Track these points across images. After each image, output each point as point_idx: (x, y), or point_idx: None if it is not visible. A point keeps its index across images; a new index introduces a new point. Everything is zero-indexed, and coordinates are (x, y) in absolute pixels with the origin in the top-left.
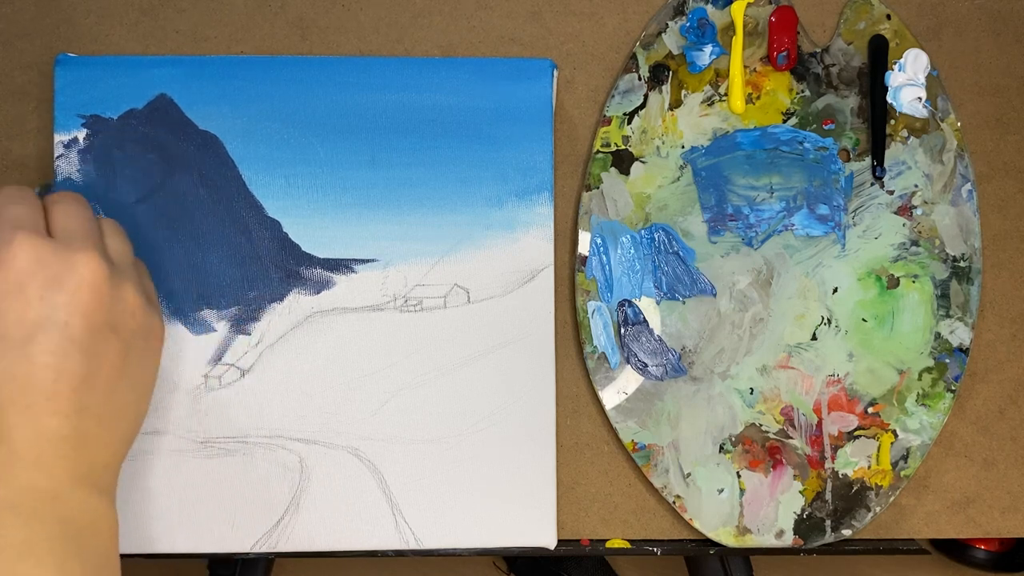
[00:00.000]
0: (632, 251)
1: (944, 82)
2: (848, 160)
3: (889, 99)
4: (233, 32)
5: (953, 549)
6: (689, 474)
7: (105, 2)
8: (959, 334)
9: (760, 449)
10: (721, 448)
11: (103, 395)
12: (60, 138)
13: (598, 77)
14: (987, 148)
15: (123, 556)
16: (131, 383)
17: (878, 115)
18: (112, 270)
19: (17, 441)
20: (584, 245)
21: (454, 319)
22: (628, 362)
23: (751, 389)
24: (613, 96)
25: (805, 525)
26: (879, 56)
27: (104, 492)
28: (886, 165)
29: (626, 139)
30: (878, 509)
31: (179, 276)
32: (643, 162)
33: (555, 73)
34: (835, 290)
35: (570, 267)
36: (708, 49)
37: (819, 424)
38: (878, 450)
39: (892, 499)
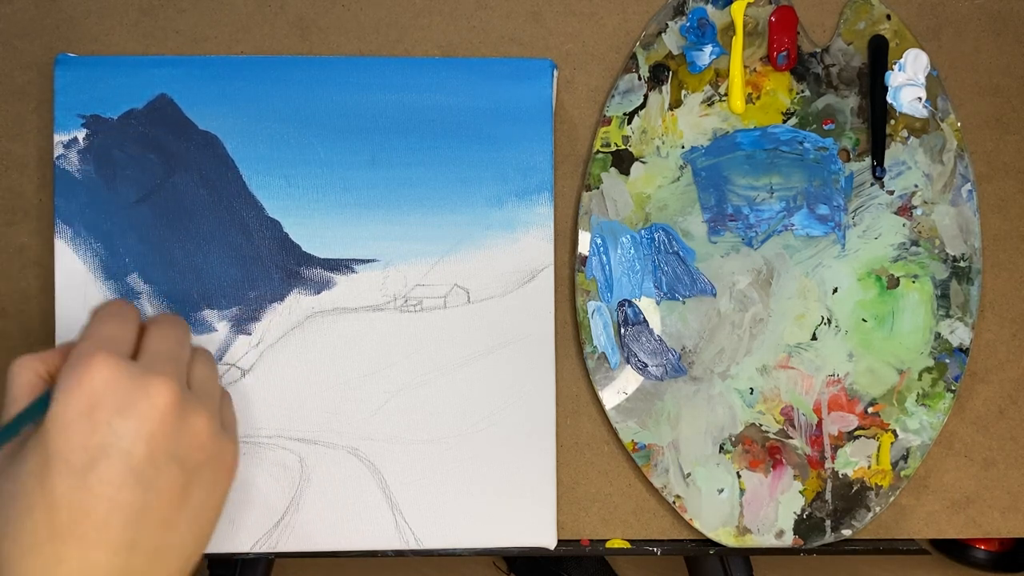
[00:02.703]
0: (632, 251)
1: (944, 82)
2: (848, 160)
3: (889, 99)
4: (233, 32)
5: (953, 549)
6: (689, 474)
7: (105, 2)
8: (959, 334)
9: (760, 449)
10: (721, 448)
11: (158, 530)
12: (60, 138)
13: (598, 77)
14: (987, 148)
15: None
16: (191, 518)
17: (878, 115)
18: (186, 398)
19: (65, 572)
20: (584, 245)
21: (454, 319)
22: (628, 362)
23: (751, 389)
24: (613, 96)
25: (805, 525)
26: (879, 56)
27: None
28: (886, 165)
29: (626, 139)
30: (878, 509)
31: (179, 276)
32: (643, 162)
33: (555, 73)
34: (835, 290)
35: (570, 267)
36: (708, 49)
37: (819, 424)
38: (878, 450)
39: (892, 499)
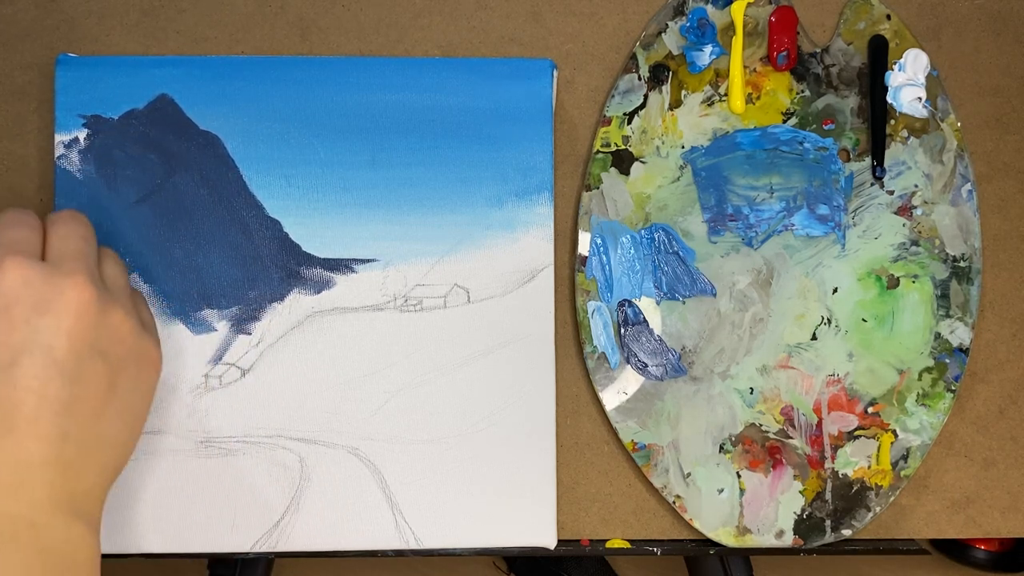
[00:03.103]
0: (632, 251)
1: (944, 82)
2: (848, 160)
3: (889, 99)
4: (233, 32)
5: (953, 549)
6: (689, 474)
7: (105, 2)
8: (959, 334)
9: (760, 449)
10: (721, 448)
11: (88, 421)
12: (61, 138)
13: (598, 77)
14: (987, 148)
15: (123, 556)
16: (119, 410)
17: (878, 115)
18: (101, 294)
19: None
20: (584, 245)
21: (454, 319)
22: (628, 362)
23: (751, 389)
24: (613, 96)
25: (805, 525)
26: (879, 56)
27: (86, 520)
28: (886, 165)
29: (626, 139)
30: (878, 509)
31: (179, 276)
32: (643, 162)
33: (555, 73)
34: (835, 290)
35: (570, 267)
36: (708, 49)
37: (819, 424)
38: (878, 450)
39: (892, 499)
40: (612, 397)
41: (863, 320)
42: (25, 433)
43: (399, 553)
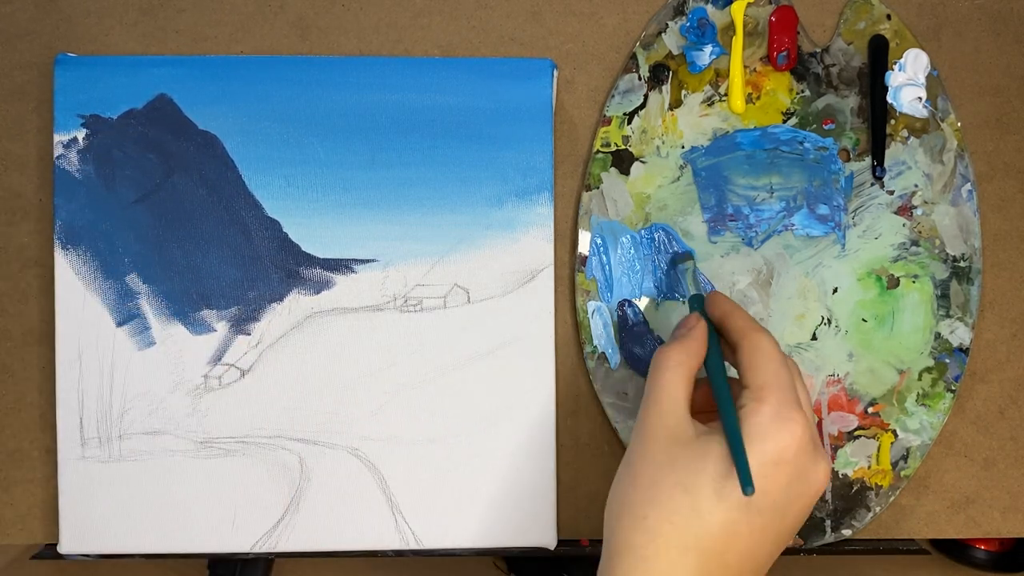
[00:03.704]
0: (632, 251)
1: (944, 82)
2: (848, 160)
3: (889, 99)
4: (233, 32)
5: (953, 549)
6: None
7: (105, 2)
8: (959, 334)
9: None
10: None
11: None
12: (60, 138)
13: (598, 77)
14: (987, 148)
15: (123, 556)
16: (764, 571)
17: (878, 115)
18: (825, 482)
19: None
20: (584, 245)
21: (454, 319)
22: (628, 362)
23: None
24: (613, 96)
25: (805, 525)
26: (879, 56)
27: None
28: (886, 165)
29: (626, 139)
30: (878, 509)
31: (179, 276)
32: (643, 162)
33: (555, 73)
34: (835, 290)
35: (570, 267)
36: (708, 49)
37: (819, 424)
38: (878, 450)
39: (892, 499)
40: (612, 397)
41: (863, 320)
42: (714, 568)
43: (399, 553)
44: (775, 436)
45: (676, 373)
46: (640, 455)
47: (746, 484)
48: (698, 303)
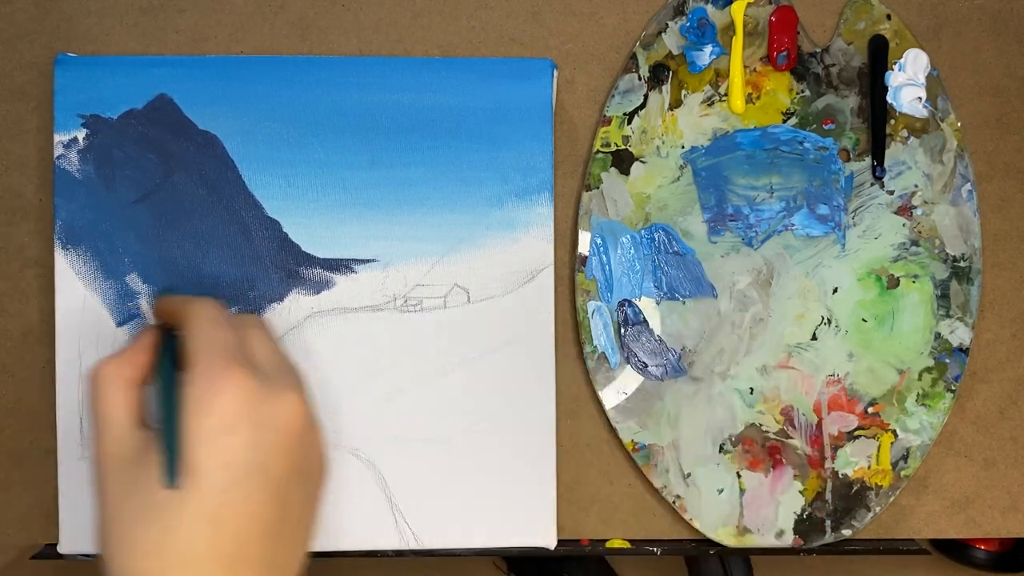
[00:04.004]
0: (632, 251)
1: (944, 82)
2: (848, 160)
3: (889, 99)
4: (233, 32)
5: (953, 549)
6: (689, 474)
7: (105, 2)
8: (959, 334)
9: (760, 449)
10: (721, 448)
11: (289, 546)
12: (60, 138)
13: (598, 77)
14: (987, 148)
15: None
16: (307, 532)
17: (878, 115)
18: (308, 411)
19: None
20: (584, 245)
21: (454, 319)
22: (628, 362)
23: (751, 389)
24: (613, 96)
25: (805, 525)
26: (879, 56)
27: None
28: (886, 165)
29: (626, 139)
30: (878, 509)
31: (178, 276)
32: (643, 162)
33: (555, 73)
34: (835, 290)
35: (570, 267)
36: (708, 49)
37: (819, 424)
38: (878, 450)
39: (892, 499)
40: (612, 397)
41: (863, 320)
42: (236, 559)
43: (399, 553)
44: (213, 404)
45: (111, 387)
46: (100, 497)
47: (169, 476)
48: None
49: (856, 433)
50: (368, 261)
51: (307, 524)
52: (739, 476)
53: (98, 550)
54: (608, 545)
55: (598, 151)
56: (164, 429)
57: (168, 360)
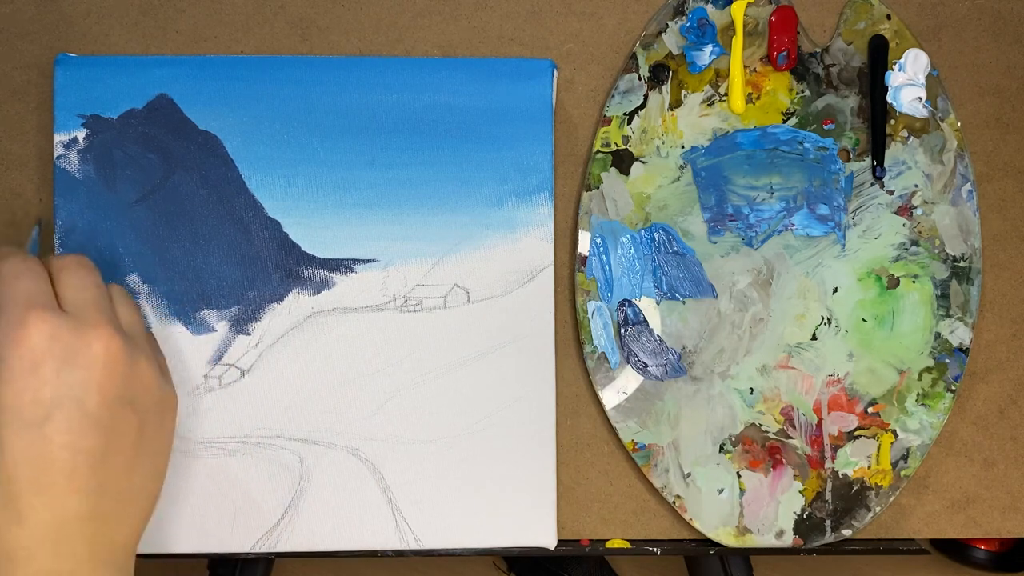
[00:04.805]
0: (632, 251)
1: (944, 82)
2: (848, 160)
3: (889, 99)
4: (233, 32)
5: (953, 549)
6: (689, 474)
7: (105, 2)
8: (959, 334)
9: (760, 449)
10: (721, 448)
11: (121, 472)
12: (60, 138)
13: (598, 77)
14: (987, 148)
15: None
16: (148, 458)
17: (878, 115)
18: (126, 344)
19: (36, 523)
20: (584, 245)
21: (454, 319)
22: (628, 362)
23: (751, 389)
24: (613, 96)
25: (805, 525)
26: (879, 56)
27: (124, 572)
28: (886, 165)
29: (626, 139)
30: (878, 509)
31: (178, 276)
32: (643, 162)
33: (555, 73)
34: (835, 290)
35: (570, 267)
36: (708, 49)
37: (819, 424)
38: (878, 450)
39: (892, 499)
40: (612, 397)
41: (863, 320)
42: (63, 488)
43: (399, 553)
44: (14, 345)
45: None
46: None
47: None
48: None
49: (856, 433)
50: (368, 261)
51: (150, 451)
52: (739, 476)
53: None
54: (608, 545)
55: (598, 151)
56: None
57: None
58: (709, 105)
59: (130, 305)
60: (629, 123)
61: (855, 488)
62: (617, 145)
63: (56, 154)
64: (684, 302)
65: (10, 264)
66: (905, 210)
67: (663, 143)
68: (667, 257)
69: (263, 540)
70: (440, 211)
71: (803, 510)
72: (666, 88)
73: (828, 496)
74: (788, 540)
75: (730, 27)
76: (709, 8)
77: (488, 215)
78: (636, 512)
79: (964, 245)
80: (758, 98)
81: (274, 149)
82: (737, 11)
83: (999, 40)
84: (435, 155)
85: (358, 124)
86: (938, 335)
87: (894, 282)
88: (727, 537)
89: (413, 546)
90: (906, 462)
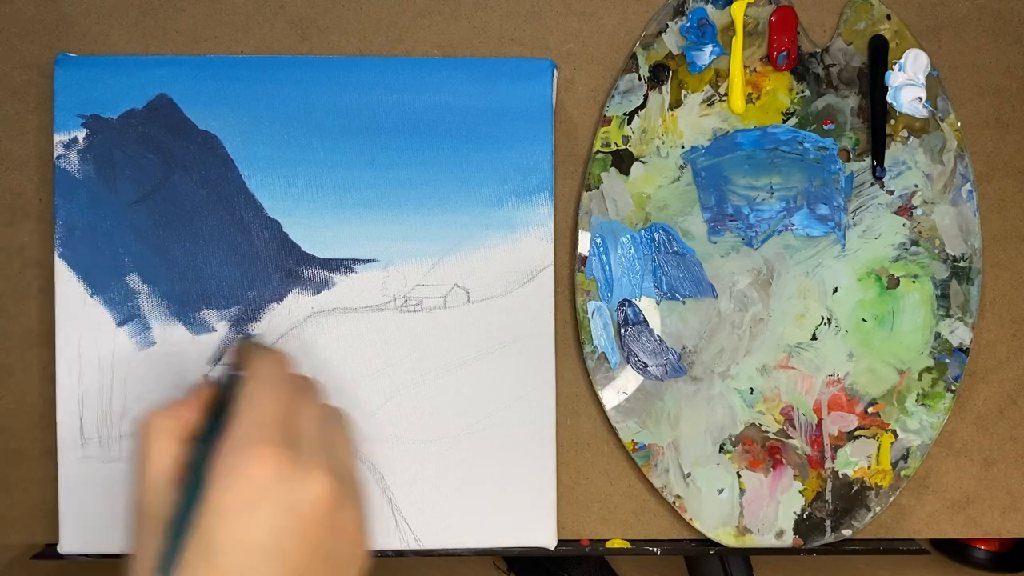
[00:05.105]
0: (632, 251)
1: (944, 82)
2: (848, 160)
3: (889, 99)
4: (233, 32)
5: (953, 549)
6: (689, 474)
7: (105, 2)
8: (959, 334)
9: (760, 449)
10: (721, 448)
11: None
12: (60, 138)
13: (598, 77)
14: (987, 148)
15: (123, 556)
16: None
17: (878, 115)
18: (340, 492)
19: None
20: (584, 245)
21: (454, 319)
22: (628, 362)
23: (751, 389)
24: (613, 96)
25: (805, 525)
26: (879, 56)
27: None
28: (886, 165)
29: (626, 139)
30: (878, 509)
31: (178, 276)
32: (643, 162)
33: (555, 73)
34: (835, 290)
35: (570, 267)
36: (708, 49)
37: (819, 424)
38: (878, 450)
39: (892, 499)
40: (612, 397)
41: (863, 320)
42: None
43: (399, 553)
44: (235, 477)
45: (155, 442)
46: (132, 539)
47: (163, 567)
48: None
49: (856, 433)
50: (368, 261)
51: None
52: (739, 476)
53: None
54: (608, 545)
55: (598, 151)
56: (180, 506)
57: (214, 424)
58: (709, 105)
59: (347, 438)
60: (629, 123)
61: (855, 488)
62: (617, 145)
63: (56, 154)
64: (684, 302)
65: (267, 368)
66: (905, 210)
67: (663, 143)
68: (667, 257)
69: None
70: (440, 211)
71: (803, 510)
72: (666, 88)
73: (828, 496)
74: (788, 540)
75: (730, 27)
76: (709, 8)
77: (488, 215)
78: (636, 512)
79: (964, 245)
80: (758, 98)
81: (274, 149)
82: (737, 11)
83: (999, 40)
84: (435, 155)
85: (358, 124)
86: (938, 335)
87: (894, 282)
88: (727, 537)
89: (413, 546)
90: (906, 462)
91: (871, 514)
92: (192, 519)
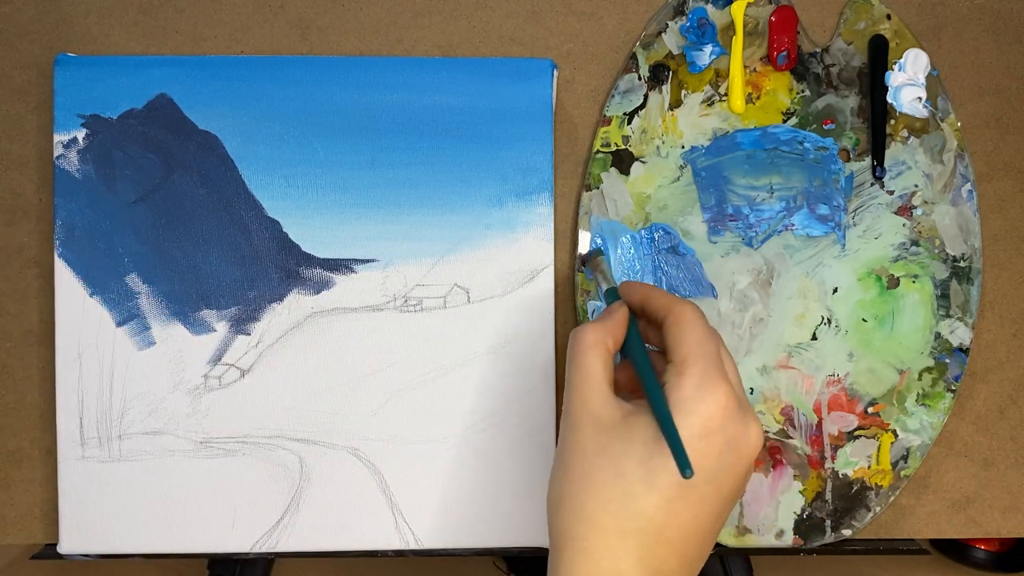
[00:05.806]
0: (632, 251)
1: (944, 82)
2: (848, 160)
3: (889, 99)
4: (233, 32)
5: (953, 549)
6: None
7: (105, 2)
8: (959, 334)
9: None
10: None
11: (690, 560)
12: (60, 138)
13: (598, 77)
14: (987, 148)
15: (123, 556)
16: (701, 554)
17: (878, 115)
18: (761, 439)
19: (608, 568)
20: (584, 245)
21: (454, 319)
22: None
23: (751, 389)
24: (613, 96)
25: (805, 525)
26: (879, 56)
27: None
28: (886, 165)
29: (626, 139)
30: (878, 509)
31: (179, 276)
32: (643, 162)
33: (555, 73)
34: (835, 290)
35: (570, 267)
36: (708, 49)
37: (819, 424)
38: (878, 450)
39: (892, 499)
40: None
41: (863, 320)
42: (652, 552)
43: (399, 553)
44: (700, 408)
45: (594, 353)
46: (570, 445)
47: (684, 467)
48: (613, 296)
49: (856, 433)
50: (368, 261)
51: (707, 548)
52: None
53: (551, 489)
54: None
55: (598, 151)
56: (664, 421)
57: (640, 342)
58: (709, 105)
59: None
60: (629, 123)
61: (855, 488)
62: (617, 145)
63: (56, 154)
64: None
65: (699, 316)
66: (905, 210)
67: (663, 143)
68: (667, 257)
69: (263, 540)
70: (440, 211)
71: (803, 510)
72: (666, 88)
73: (828, 496)
74: (788, 540)
75: (730, 27)
76: (709, 8)
77: (488, 215)
78: None
79: (964, 245)
80: (758, 98)
81: (274, 149)
82: (737, 11)
83: (999, 40)
84: (435, 155)
85: (358, 124)
86: (938, 335)
87: (894, 282)
88: (727, 537)
89: (413, 546)
90: (906, 462)
91: (871, 514)
92: (678, 437)
